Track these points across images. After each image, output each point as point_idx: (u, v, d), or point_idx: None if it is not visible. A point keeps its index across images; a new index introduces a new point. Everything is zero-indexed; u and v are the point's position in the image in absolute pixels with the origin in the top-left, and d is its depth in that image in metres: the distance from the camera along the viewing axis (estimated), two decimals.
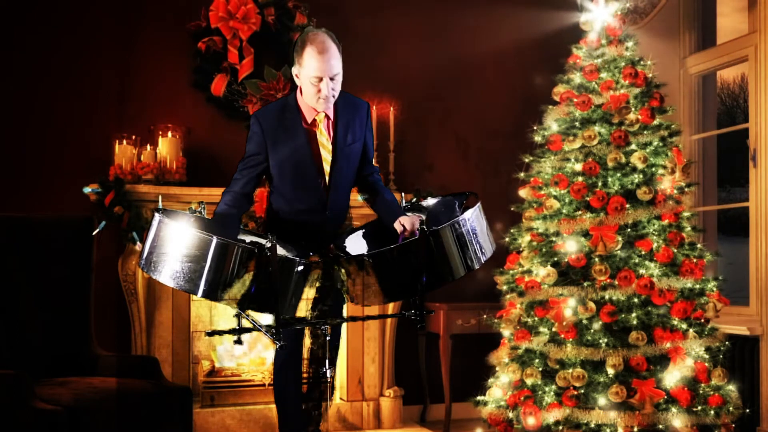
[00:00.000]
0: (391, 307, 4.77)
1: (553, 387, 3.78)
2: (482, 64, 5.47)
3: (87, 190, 4.40)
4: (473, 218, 2.77)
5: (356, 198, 3.73)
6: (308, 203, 3.25)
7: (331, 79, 3.09)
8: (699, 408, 3.63)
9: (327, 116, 3.23)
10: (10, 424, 3.17)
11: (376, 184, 3.40)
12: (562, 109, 4.14)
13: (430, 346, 5.15)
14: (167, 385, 3.69)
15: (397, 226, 3.05)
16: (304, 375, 3.54)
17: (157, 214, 2.64)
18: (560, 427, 3.70)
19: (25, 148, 4.60)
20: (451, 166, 5.40)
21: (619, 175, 3.90)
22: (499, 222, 4.48)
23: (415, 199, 3.43)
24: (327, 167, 3.24)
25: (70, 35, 4.69)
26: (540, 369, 3.84)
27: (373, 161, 3.50)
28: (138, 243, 4.41)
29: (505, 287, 4.14)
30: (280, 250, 2.92)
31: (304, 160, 3.20)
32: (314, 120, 3.22)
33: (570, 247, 3.87)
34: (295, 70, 3.17)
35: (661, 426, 3.58)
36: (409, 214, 3.19)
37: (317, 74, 3.07)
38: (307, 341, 3.39)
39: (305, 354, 3.47)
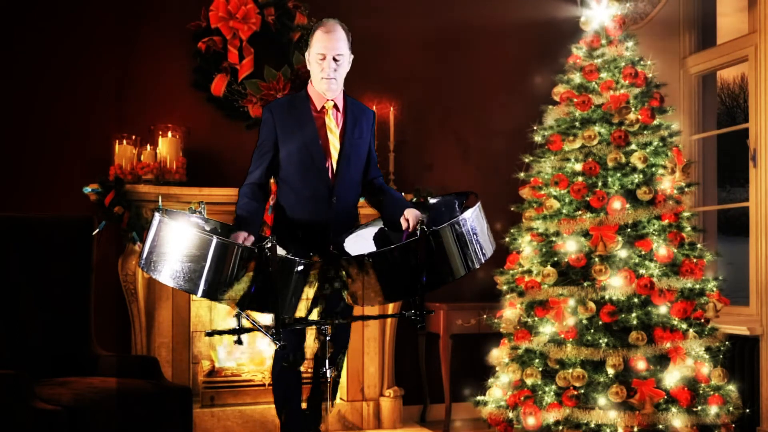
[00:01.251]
0: (391, 307, 4.77)
1: (553, 387, 3.78)
2: (482, 64, 5.47)
3: (87, 190, 4.40)
4: (473, 218, 2.77)
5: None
6: (314, 189, 3.27)
7: (335, 59, 3.22)
8: (699, 408, 3.63)
9: (336, 106, 3.33)
10: (10, 424, 3.17)
11: (382, 186, 3.47)
12: (562, 109, 4.14)
13: (430, 346, 5.15)
14: (167, 385, 3.68)
15: (402, 222, 3.08)
16: (305, 376, 3.55)
17: (157, 214, 2.64)
18: (560, 427, 3.70)
19: (24, 148, 4.60)
20: (451, 166, 5.40)
21: (619, 175, 3.91)
22: (499, 222, 4.48)
23: (415, 199, 3.44)
24: (335, 152, 3.30)
25: (70, 35, 4.69)
26: (540, 369, 3.84)
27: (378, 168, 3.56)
28: (138, 243, 4.41)
29: (505, 287, 4.14)
30: (280, 251, 2.92)
31: (312, 143, 3.27)
32: (323, 107, 3.31)
33: (570, 247, 3.87)
34: (306, 55, 3.32)
35: (661, 426, 3.59)
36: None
37: (321, 51, 3.22)
38: (311, 342, 3.40)
39: (309, 354, 3.48)
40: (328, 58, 3.22)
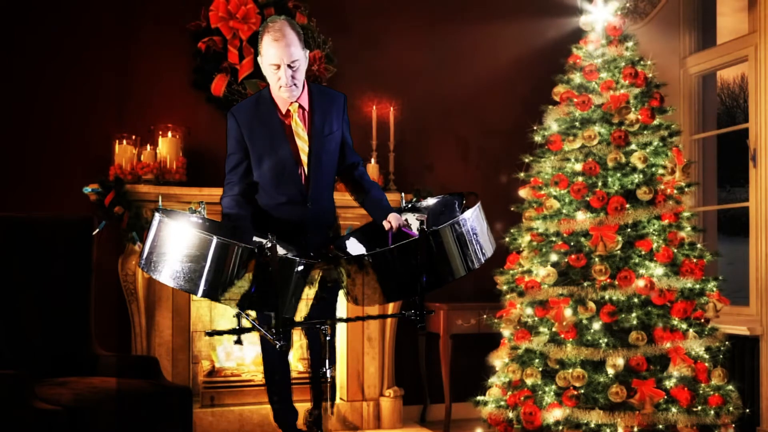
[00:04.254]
0: (391, 307, 4.77)
1: (553, 387, 3.78)
2: (482, 64, 5.47)
3: (87, 190, 4.40)
4: (473, 218, 2.77)
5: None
6: (288, 195, 3.26)
7: (290, 66, 3.10)
8: (699, 408, 3.63)
9: (301, 106, 3.25)
10: (10, 424, 3.17)
11: (362, 179, 3.40)
12: (562, 109, 4.14)
13: (430, 346, 5.15)
14: (167, 385, 3.68)
15: (386, 224, 3.08)
16: (304, 374, 3.56)
17: (157, 214, 2.64)
18: (560, 427, 3.70)
19: (25, 148, 4.60)
20: (451, 166, 5.40)
21: (619, 175, 3.91)
22: (499, 222, 4.48)
23: (415, 199, 3.43)
24: (305, 157, 3.25)
25: (70, 35, 4.69)
26: (540, 369, 3.84)
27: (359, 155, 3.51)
28: (138, 243, 4.40)
29: (505, 287, 4.14)
30: (280, 250, 2.92)
31: (282, 151, 3.22)
32: (288, 111, 3.24)
33: (570, 247, 3.87)
34: (258, 59, 3.21)
35: (661, 426, 3.58)
36: (404, 213, 3.20)
37: (274, 61, 3.10)
38: (304, 341, 3.41)
39: (304, 354, 3.50)
40: (283, 67, 3.10)
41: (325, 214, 3.38)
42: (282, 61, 3.09)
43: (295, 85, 3.15)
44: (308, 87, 3.29)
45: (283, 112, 3.24)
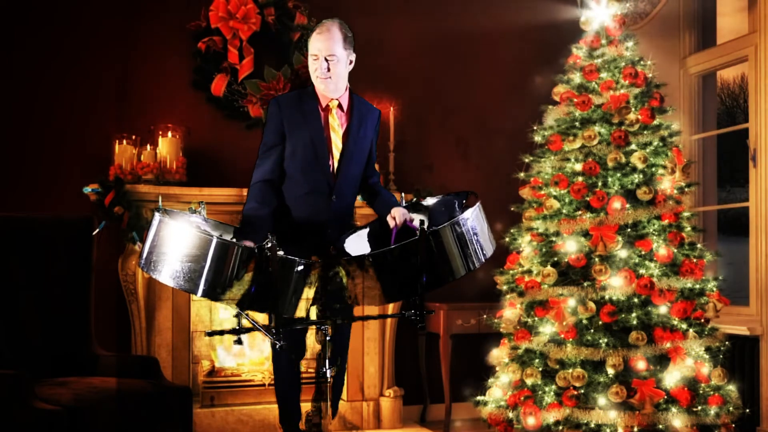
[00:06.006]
0: (391, 307, 4.77)
1: (553, 387, 3.78)
2: (482, 64, 5.47)
3: (87, 190, 4.40)
4: (473, 218, 2.78)
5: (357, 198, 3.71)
6: (315, 184, 3.34)
7: (327, 59, 3.28)
8: (699, 408, 3.63)
9: (340, 105, 3.39)
10: (10, 424, 3.17)
11: (376, 185, 3.55)
12: (562, 109, 4.14)
13: (430, 346, 5.15)
14: (167, 385, 3.68)
15: (389, 220, 3.13)
16: (304, 373, 3.57)
17: (157, 214, 2.64)
18: (560, 427, 3.70)
19: (25, 148, 4.60)
20: (451, 166, 5.40)
21: (619, 175, 3.91)
22: (499, 222, 4.47)
23: (415, 199, 3.45)
24: (336, 152, 3.36)
25: (71, 35, 4.69)
26: (540, 369, 3.84)
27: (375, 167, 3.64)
28: (138, 243, 4.41)
29: (505, 287, 4.14)
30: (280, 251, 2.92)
31: (317, 140, 3.33)
32: (327, 105, 3.37)
33: (570, 247, 3.87)
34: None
35: (661, 426, 3.58)
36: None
37: (313, 52, 3.31)
38: (313, 343, 3.43)
39: (311, 354, 3.52)
40: (321, 59, 3.28)
41: (347, 212, 3.47)
42: (320, 52, 3.28)
43: (330, 78, 3.29)
44: (350, 93, 3.45)
45: (324, 106, 3.38)
